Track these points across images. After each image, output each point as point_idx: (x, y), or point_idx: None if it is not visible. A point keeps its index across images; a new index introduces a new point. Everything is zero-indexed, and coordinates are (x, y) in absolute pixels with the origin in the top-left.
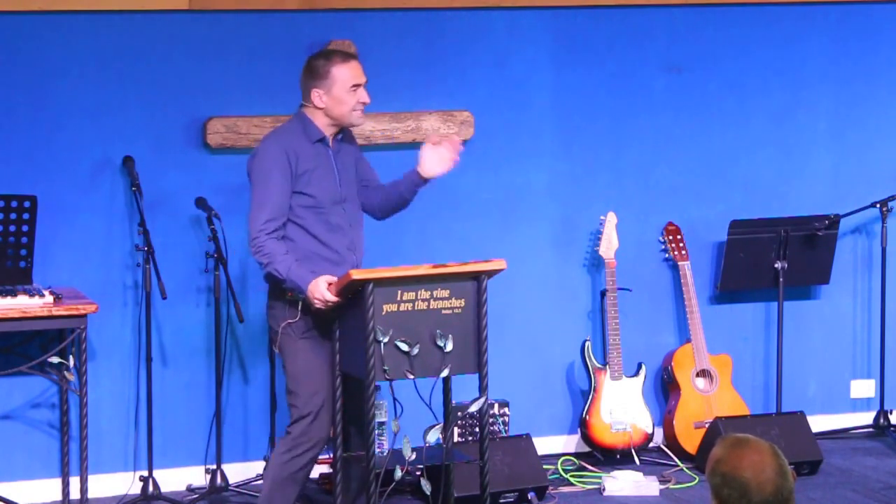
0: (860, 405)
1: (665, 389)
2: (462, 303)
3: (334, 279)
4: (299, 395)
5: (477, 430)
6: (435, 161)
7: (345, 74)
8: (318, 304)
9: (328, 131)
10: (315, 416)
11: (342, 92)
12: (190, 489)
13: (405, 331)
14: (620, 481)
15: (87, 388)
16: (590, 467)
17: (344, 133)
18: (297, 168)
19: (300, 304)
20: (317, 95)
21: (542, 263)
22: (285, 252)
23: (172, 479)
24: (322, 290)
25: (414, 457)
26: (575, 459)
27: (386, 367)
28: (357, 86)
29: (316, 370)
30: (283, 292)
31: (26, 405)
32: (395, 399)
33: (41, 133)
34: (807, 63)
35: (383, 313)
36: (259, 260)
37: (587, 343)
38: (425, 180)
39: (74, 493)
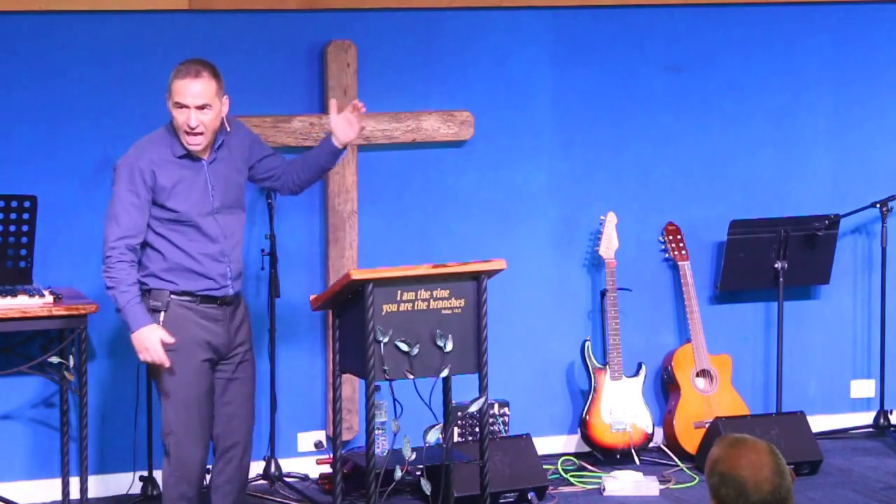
0: (860, 405)
1: (665, 389)
2: (462, 303)
3: (168, 338)
4: (163, 411)
5: (477, 430)
6: (345, 127)
7: (173, 89)
8: (143, 356)
9: None
10: (181, 435)
11: (171, 106)
12: None
13: (405, 331)
14: (620, 481)
15: (87, 388)
16: (590, 467)
17: (226, 140)
18: (154, 184)
19: (162, 314)
20: (168, 105)
21: (542, 263)
22: (132, 282)
23: None
24: (154, 343)
25: (414, 457)
26: (575, 459)
27: (386, 367)
28: (180, 105)
29: (175, 388)
30: (150, 297)
31: (26, 405)
32: (395, 399)
33: (41, 133)
34: (807, 63)
35: (383, 313)
36: (105, 282)
37: (587, 343)
38: (343, 147)
39: (74, 493)
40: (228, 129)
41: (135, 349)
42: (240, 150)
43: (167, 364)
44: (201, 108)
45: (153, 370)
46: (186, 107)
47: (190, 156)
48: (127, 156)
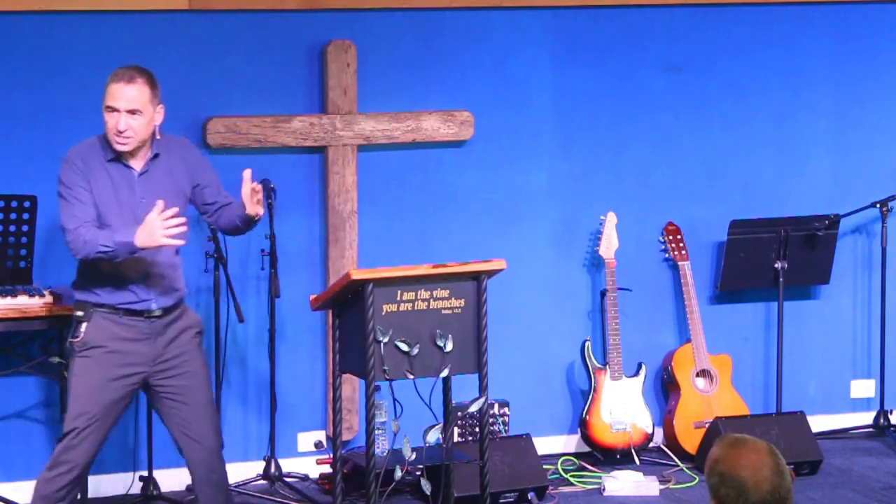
0: (860, 405)
1: (665, 389)
2: (462, 303)
3: (162, 209)
4: (67, 412)
5: (477, 430)
6: (249, 202)
7: (106, 92)
8: (165, 240)
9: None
10: (75, 437)
11: (103, 110)
12: (190, 489)
13: (405, 331)
14: (620, 481)
15: None
16: (590, 467)
17: (163, 154)
18: (87, 187)
19: (84, 324)
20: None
21: (542, 263)
22: (107, 233)
23: (172, 479)
24: (153, 225)
25: (414, 457)
26: (575, 459)
27: (386, 367)
28: (110, 108)
29: (83, 392)
30: (75, 308)
31: (26, 405)
32: (395, 399)
33: (41, 133)
34: (807, 63)
35: (383, 313)
36: (84, 251)
37: (587, 343)
38: (252, 215)
39: None
40: (159, 137)
41: (153, 245)
42: (181, 169)
43: (182, 242)
44: (132, 112)
45: (69, 366)
46: (117, 110)
47: (121, 161)
48: (68, 155)
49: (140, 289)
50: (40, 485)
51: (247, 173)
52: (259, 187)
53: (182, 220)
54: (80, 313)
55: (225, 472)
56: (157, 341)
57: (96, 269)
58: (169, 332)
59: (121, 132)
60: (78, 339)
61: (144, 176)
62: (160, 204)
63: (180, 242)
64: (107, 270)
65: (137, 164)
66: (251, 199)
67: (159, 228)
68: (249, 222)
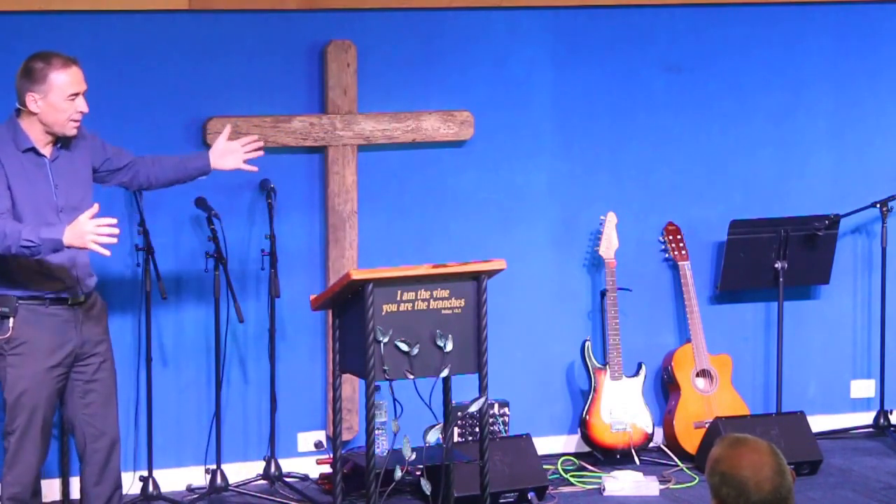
0: (860, 405)
1: (665, 389)
2: (462, 303)
3: (95, 210)
4: (7, 412)
5: (477, 430)
6: (228, 156)
7: (63, 81)
8: (93, 245)
9: (42, 139)
10: (21, 436)
11: (59, 99)
12: (190, 489)
13: (405, 331)
14: (620, 481)
15: None
16: (590, 467)
17: (64, 137)
18: (2, 176)
19: (11, 319)
20: (32, 100)
21: (542, 263)
22: (25, 226)
23: (172, 479)
24: (84, 226)
25: (414, 457)
26: (575, 459)
27: (386, 367)
28: (75, 94)
29: (22, 389)
30: None
31: None
32: (395, 399)
33: None
34: (807, 63)
35: (383, 313)
36: (3, 244)
37: (587, 343)
38: (210, 171)
39: (75, 493)
40: None
41: (79, 247)
42: (82, 152)
43: (108, 252)
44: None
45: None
46: (78, 94)
47: (34, 151)
48: None
49: (67, 276)
50: (6, 487)
51: (227, 128)
52: (260, 144)
53: (115, 231)
54: (4, 308)
55: (119, 467)
56: (81, 328)
57: (19, 261)
58: (90, 319)
59: (84, 113)
60: (5, 336)
61: (55, 163)
62: (96, 207)
63: (106, 252)
64: (32, 261)
65: (47, 151)
66: (240, 151)
67: (90, 232)
68: (200, 174)
